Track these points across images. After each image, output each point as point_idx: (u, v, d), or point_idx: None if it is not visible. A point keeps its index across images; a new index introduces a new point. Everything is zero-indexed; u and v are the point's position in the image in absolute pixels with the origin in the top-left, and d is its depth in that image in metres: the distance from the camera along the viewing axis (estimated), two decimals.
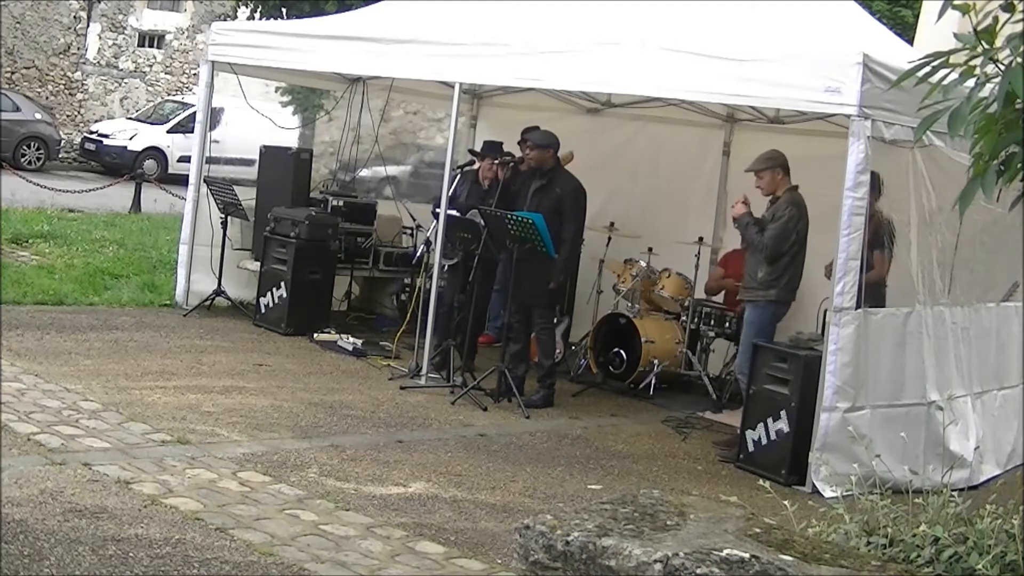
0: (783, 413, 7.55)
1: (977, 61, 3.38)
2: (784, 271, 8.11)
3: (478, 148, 10.23)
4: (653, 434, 8.50)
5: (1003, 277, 8.68)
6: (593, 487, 6.94)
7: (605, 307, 10.33)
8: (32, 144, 23.24)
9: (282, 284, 10.20)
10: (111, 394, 7.49)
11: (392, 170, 15.95)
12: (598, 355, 10.03)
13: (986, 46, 3.34)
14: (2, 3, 25.87)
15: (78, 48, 27.86)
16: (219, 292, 10.59)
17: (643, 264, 10.11)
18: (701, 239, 10.02)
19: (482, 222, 8.89)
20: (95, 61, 28.25)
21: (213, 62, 10.68)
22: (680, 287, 10.00)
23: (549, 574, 2.84)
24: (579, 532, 2.83)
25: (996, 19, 3.38)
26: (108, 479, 5.84)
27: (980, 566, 3.65)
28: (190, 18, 29.56)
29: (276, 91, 20.43)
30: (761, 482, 6.13)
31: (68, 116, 27.56)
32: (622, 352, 9.86)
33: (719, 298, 10.12)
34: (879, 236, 7.77)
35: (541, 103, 11.04)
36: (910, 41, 11.37)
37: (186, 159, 15.60)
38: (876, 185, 7.43)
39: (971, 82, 3.43)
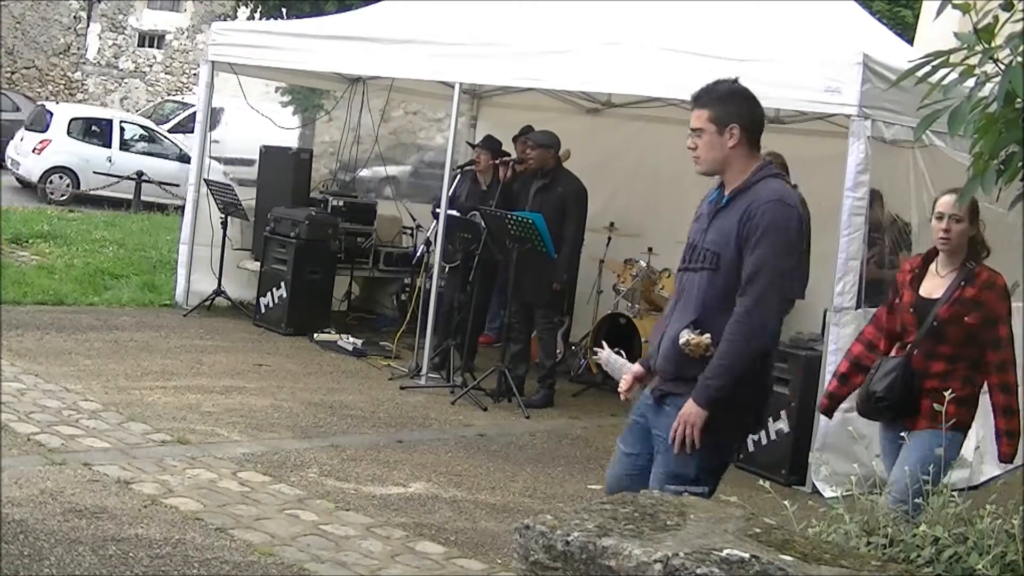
0: (783, 413, 7.55)
1: (976, 60, 3.37)
2: None
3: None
4: None
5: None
6: (593, 487, 6.93)
7: (605, 307, 10.32)
8: None
9: (282, 284, 10.20)
10: (111, 394, 7.49)
11: (392, 170, 15.94)
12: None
13: (986, 45, 3.33)
14: (2, 3, 25.86)
15: (78, 48, 27.86)
16: (219, 292, 10.59)
17: (643, 264, 10.10)
18: None
19: (482, 222, 8.89)
20: (95, 61, 28.26)
21: (213, 62, 10.68)
22: None
23: (549, 574, 2.83)
24: (579, 532, 2.83)
25: (996, 18, 3.38)
26: (108, 479, 5.84)
27: (980, 566, 3.64)
28: (190, 18, 29.57)
29: (276, 91, 20.42)
30: (761, 482, 6.11)
31: None
32: (622, 352, 9.80)
33: None
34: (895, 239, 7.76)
35: (541, 103, 11.03)
36: (910, 41, 11.36)
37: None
38: (877, 198, 7.42)
39: (971, 81, 3.43)
